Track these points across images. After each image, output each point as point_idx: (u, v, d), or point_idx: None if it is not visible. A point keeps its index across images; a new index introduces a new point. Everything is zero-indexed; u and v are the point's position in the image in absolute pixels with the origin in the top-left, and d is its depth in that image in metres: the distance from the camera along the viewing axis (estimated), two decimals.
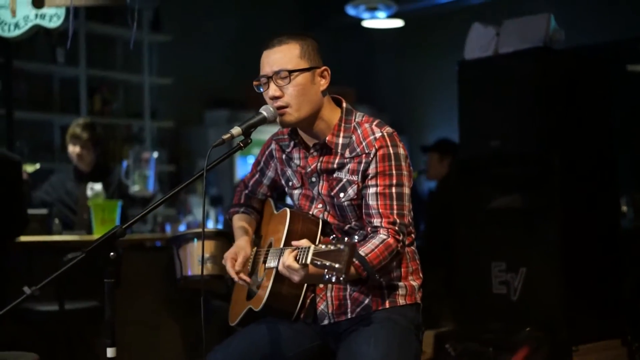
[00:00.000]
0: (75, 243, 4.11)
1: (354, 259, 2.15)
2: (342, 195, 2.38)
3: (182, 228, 5.99)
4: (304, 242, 2.12)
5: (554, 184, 4.21)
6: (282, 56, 2.32)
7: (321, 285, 2.42)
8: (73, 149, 4.94)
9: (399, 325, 2.36)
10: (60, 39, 6.38)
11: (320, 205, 2.45)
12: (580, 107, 4.39)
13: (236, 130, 2.27)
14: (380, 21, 7.42)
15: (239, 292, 2.65)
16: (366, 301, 2.39)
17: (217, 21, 7.69)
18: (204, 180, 2.18)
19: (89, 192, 4.61)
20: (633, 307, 4.63)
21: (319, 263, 2.00)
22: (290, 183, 2.54)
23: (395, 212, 2.31)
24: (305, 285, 2.38)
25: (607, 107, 4.59)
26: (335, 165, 2.39)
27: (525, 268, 4.24)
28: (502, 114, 4.38)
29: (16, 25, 3.94)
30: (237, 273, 2.48)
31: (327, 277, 1.97)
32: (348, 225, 2.42)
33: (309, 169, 2.44)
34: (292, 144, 2.50)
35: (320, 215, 2.44)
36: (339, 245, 1.98)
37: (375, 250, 2.23)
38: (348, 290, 2.41)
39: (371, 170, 2.33)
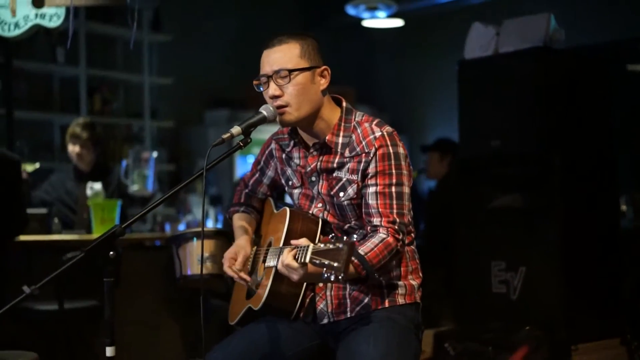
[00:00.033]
0: (74, 242, 4.11)
1: (354, 258, 2.16)
2: (341, 194, 2.38)
3: (181, 227, 5.99)
4: (303, 241, 2.12)
5: (554, 184, 4.21)
6: (282, 55, 2.32)
7: (320, 284, 2.42)
8: (73, 149, 4.94)
9: (398, 325, 2.36)
10: (60, 39, 6.38)
11: (320, 205, 2.45)
12: (580, 107, 4.39)
13: (236, 129, 2.27)
14: (380, 21, 7.42)
15: (239, 291, 2.65)
16: (366, 300, 2.39)
17: (217, 21, 7.69)
18: (203, 179, 2.18)
19: (88, 192, 4.61)
20: (632, 307, 4.63)
21: (317, 262, 2.00)
22: (290, 182, 2.54)
23: (395, 211, 2.31)
24: (305, 284, 2.38)
25: (607, 107, 4.59)
26: (335, 165, 2.39)
27: (524, 267, 4.24)
28: (502, 114, 4.38)
29: (16, 25, 3.94)
30: (238, 272, 2.47)
31: (326, 276, 1.97)
32: (348, 225, 2.42)
33: (309, 169, 2.44)
34: (292, 143, 2.50)
35: (320, 215, 2.45)
36: (337, 244, 1.98)
37: (375, 249, 2.23)
38: (347, 289, 2.41)
39: (371, 169, 2.33)
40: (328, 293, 2.42)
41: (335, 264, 1.96)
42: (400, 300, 2.41)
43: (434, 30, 8.23)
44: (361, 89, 8.07)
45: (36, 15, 3.88)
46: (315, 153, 2.43)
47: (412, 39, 8.43)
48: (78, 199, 4.87)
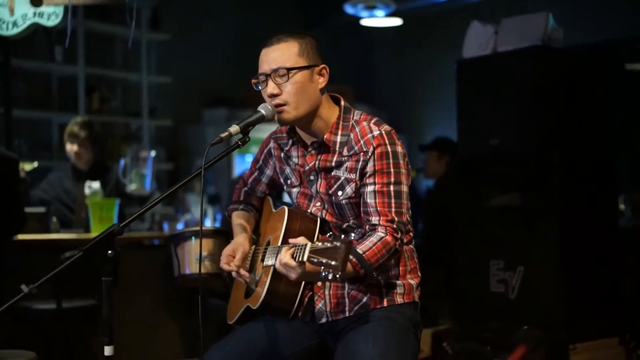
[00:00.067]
0: (73, 241, 4.11)
1: (352, 257, 2.15)
2: (340, 193, 2.37)
3: (180, 226, 5.99)
4: (301, 240, 2.12)
5: (552, 183, 4.21)
6: (280, 54, 2.32)
7: (319, 284, 2.42)
8: (71, 148, 4.94)
9: (397, 324, 2.36)
10: (59, 38, 6.38)
11: (318, 204, 2.45)
12: (580, 107, 4.39)
13: (234, 128, 2.27)
14: (378, 20, 7.41)
15: (238, 290, 2.64)
16: (364, 299, 2.39)
17: (216, 20, 7.69)
18: (202, 178, 2.17)
19: (86, 191, 4.61)
20: (631, 306, 4.63)
21: (315, 260, 2.00)
22: (288, 181, 2.54)
23: (393, 210, 2.30)
24: (303, 283, 2.38)
25: (606, 106, 4.59)
26: (333, 164, 2.38)
27: (523, 267, 4.24)
28: (501, 113, 4.38)
29: (14, 24, 3.93)
30: (236, 268, 2.47)
31: (323, 274, 1.96)
32: (346, 224, 2.42)
33: (307, 167, 2.44)
34: (290, 142, 2.50)
35: (319, 214, 2.44)
36: (335, 243, 1.98)
37: (373, 248, 2.23)
38: (346, 288, 2.40)
39: (369, 168, 2.33)
40: (326, 292, 2.42)
41: (333, 263, 1.96)
42: (399, 300, 2.41)
43: (433, 29, 8.23)
44: (360, 88, 8.07)
45: (34, 13, 3.87)
46: (313, 152, 2.43)
47: (411, 38, 8.43)
48: (76, 198, 4.87)
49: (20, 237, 3.87)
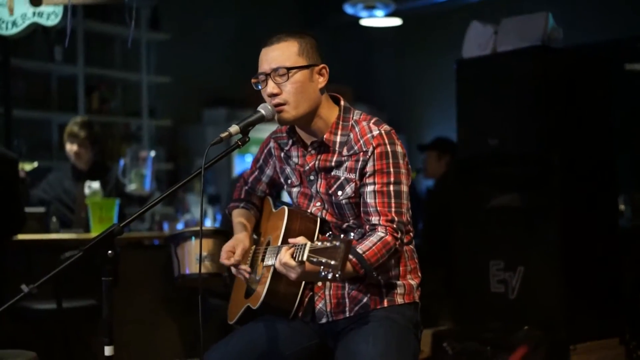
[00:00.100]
0: (72, 241, 4.11)
1: (351, 257, 2.15)
2: (340, 193, 2.37)
3: (179, 226, 5.99)
4: (301, 240, 2.11)
5: (553, 183, 4.21)
6: (280, 54, 2.32)
7: (319, 284, 2.42)
8: (71, 148, 4.93)
9: (397, 324, 2.36)
10: (58, 37, 6.38)
11: (318, 204, 2.45)
12: (580, 107, 4.39)
13: (234, 128, 2.26)
14: (378, 20, 7.41)
15: (238, 290, 2.64)
16: (364, 300, 2.39)
17: (216, 20, 7.69)
18: (202, 178, 2.17)
19: (86, 191, 4.61)
20: (631, 306, 4.63)
21: (315, 260, 1.99)
22: (289, 181, 2.54)
23: (393, 209, 2.30)
24: (303, 283, 2.38)
25: (606, 106, 4.59)
26: (333, 164, 2.38)
27: (523, 267, 4.23)
28: (501, 113, 4.37)
29: (14, 23, 3.92)
30: (236, 264, 2.47)
31: (323, 274, 1.96)
32: (346, 224, 2.42)
33: (307, 167, 2.44)
34: (290, 142, 2.50)
35: (319, 214, 2.44)
36: (334, 242, 1.98)
37: (373, 247, 2.22)
38: (346, 288, 2.40)
39: (369, 168, 2.32)
40: (327, 292, 2.42)
41: (332, 262, 1.96)
42: (399, 300, 2.40)
43: (432, 29, 8.23)
44: (359, 88, 8.07)
45: (34, 13, 3.87)
46: (313, 152, 2.42)
47: (411, 38, 8.43)
48: (76, 197, 4.87)
49: (20, 237, 3.87)
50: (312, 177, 2.44)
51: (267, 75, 2.33)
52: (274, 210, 2.61)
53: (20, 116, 6.08)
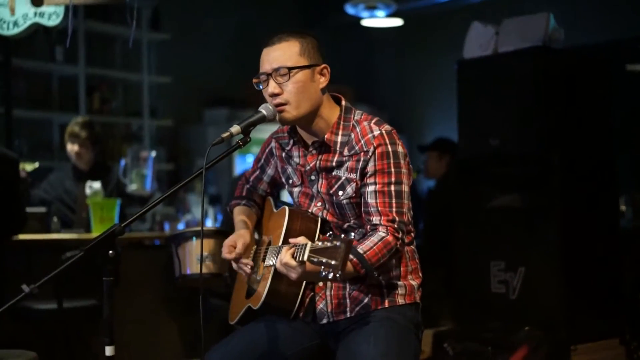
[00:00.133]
0: (73, 241, 4.11)
1: (352, 257, 2.15)
2: (340, 193, 2.37)
3: (180, 227, 5.99)
4: (301, 240, 2.12)
5: (553, 184, 4.20)
6: (281, 53, 2.32)
7: (320, 284, 2.42)
8: (72, 148, 4.93)
9: (398, 325, 2.36)
10: (59, 37, 6.38)
11: (319, 204, 2.45)
12: (580, 107, 4.39)
13: (235, 128, 2.27)
14: (379, 20, 7.41)
15: (239, 290, 2.64)
16: (365, 300, 2.39)
17: (217, 20, 7.69)
18: (203, 178, 2.17)
19: (87, 191, 4.61)
20: (632, 307, 4.63)
21: (315, 260, 2.00)
22: (290, 181, 2.54)
23: (394, 209, 2.30)
24: (304, 283, 2.38)
25: (607, 107, 4.59)
26: (333, 164, 2.38)
27: (524, 267, 4.23)
28: (502, 113, 4.37)
29: (15, 24, 3.93)
30: (237, 258, 2.47)
31: (323, 274, 1.96)
32: (347, 224, 2.42)
33: (308, 167, 2.44)
34: (291, 142, 2.50)
35: (320, 214, 2.44)
36: (335, 242, 1.98)
37: (374, 247, 2.23)
38: (347, 289, 2.40)
39: (370, 168, 2.32)
40: (328, 293, 2.42)
41: (333, 262, 1.96)
42: (400, 301, 2.40)
43: (434, 30, 8.23)
44: (360, 88, 8.07)
45: (35, 13, 3.87)
46: (314, 152, 2.43)
47: (412, 38, 8.43)
48: (77, 198, 4.87)
49: (21, 237, 3.87)
50: (313, 177, 2.44)
51: (269, 75, 2.33)
52: (274, 210, 2.61)
53: (21, 116, 6.08)
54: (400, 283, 2.42)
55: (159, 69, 7.28)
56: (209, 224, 6.62)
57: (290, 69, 2.30)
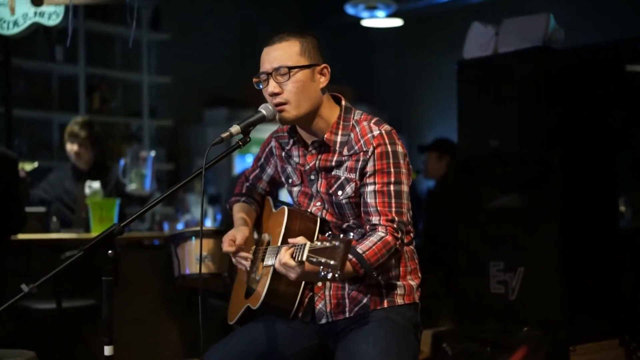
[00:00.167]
0: (73, 241, 4.11)
1: (351, 256, 2.15)
2: (340, 193, 2.37)
3: (180, 226, 5.99)
4: (301, 240, 2.12)
5: (553, 184, 4.20)
6: (282, 53, 2.32)
7: (319, 284, 2.42)
8: (71, 147, 4.93)
9: (397, 325, 2.36)
10: (59, 37, 6.38)
11: (318, 203, 2.45)
12: (580, 107, 4.39)
13: (235, 128, 2.27)
14: (379, 20, 7.41)
15: (238, 290, 2.64)
16: (364, 300, 2.39)
17: (217, 20, 7.68)
18: (202, 178, 2.17)
19: (87, 190, 4.61)
20: (631, 307, 4.63)
21: (314, 260, 2.00)
22: (290, 180, 2.54)
23: (393, 209, 2.30)
24: (303, 283, 2.38)
25: (607, 107, 4.59)
26: (333, 163, 2.38)
27: (523, 268, 4.23)
28: (502, 114, 4.37)
29: (15, 23, 3.93)
30: (237, 251, 2.46)
31: (322, 274, 1.96)
32: (346, 224, 2.42)
33: (308, 167, 2.44)
34: (291, 141, 2.50)
35: (319, 213, 2.44)
36: (334, 242, 1.98)
37: (373, 247, 2.22)
38: (346, 289, 2.40)
39: (369, 168, 2.32)
40: (327, 293, 2.41)
41: (332, 262, 1.96)
42: (399, 301, 2.40)
43: (433, 30, 8.23)
44: (360, 88, 8.06)
45: (35, 13, 3.87)
46: (314, 151, 2.43)
47: (412, 38, 8.43)
48: (76, 197, 4.87)
49: (21, 236, 3.87)
50: (312, 177, 2.44)
51: (269, 74, 2.33)
52: (274, 210, 2.61)
53: (21, 116, 6.08)
54: (399, 283, 2.42)
55: (159, 69, 7.28)
56: (209, 224, 6.62)
57: (290, 68, 2.30)
